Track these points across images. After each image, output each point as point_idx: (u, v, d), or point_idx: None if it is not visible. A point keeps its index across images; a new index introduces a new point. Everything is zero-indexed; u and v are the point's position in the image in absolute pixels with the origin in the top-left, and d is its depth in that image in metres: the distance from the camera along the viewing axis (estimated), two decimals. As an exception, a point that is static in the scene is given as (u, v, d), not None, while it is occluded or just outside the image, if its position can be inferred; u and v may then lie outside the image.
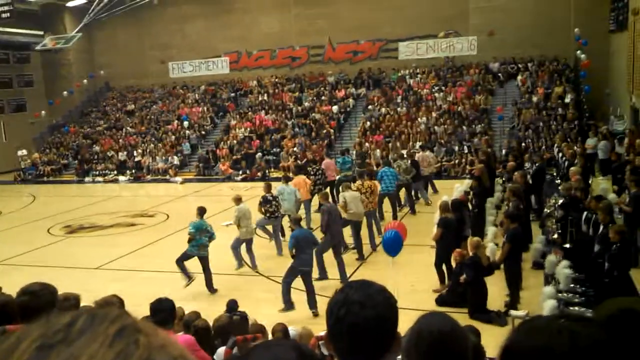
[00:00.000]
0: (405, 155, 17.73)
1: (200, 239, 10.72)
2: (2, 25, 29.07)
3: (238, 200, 12.05)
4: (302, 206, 14.51)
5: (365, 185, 13.09)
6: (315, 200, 14.94)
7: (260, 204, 12.64)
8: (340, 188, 12.77)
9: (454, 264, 9.85)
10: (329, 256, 10.88)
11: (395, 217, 14.68)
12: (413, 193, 16.61)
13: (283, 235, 13.28)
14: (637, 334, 1.44)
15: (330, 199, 11.80)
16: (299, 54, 31.99)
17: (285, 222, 13.32)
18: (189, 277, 10.81)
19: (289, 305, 9.41)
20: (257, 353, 1.17)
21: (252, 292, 10.62)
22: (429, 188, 17.80)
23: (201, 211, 11.10)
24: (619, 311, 1.51)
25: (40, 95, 34.20)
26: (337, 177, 16.79)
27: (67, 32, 33.20)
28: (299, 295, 9.84)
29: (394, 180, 14.70)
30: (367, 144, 24.43)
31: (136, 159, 28.25)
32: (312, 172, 15.93)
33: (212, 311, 7.62)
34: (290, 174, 18.12)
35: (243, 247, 12.03)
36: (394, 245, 9.40)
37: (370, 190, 13.07)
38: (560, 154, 17.25)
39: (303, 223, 11.72)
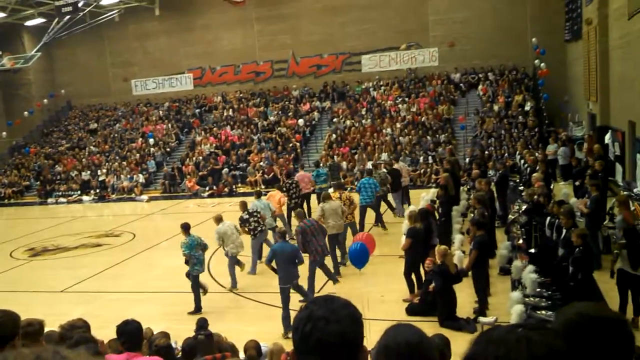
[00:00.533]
0: (382, 165, 17.63)
1: (198, 255, 10.46)
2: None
3: (218, 220, 11.71)
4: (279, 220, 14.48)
5: (343, 196, 13.14)
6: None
7: (240, 226, 12.16)
8: (321, 199, 12.52)
9: (424, 273, 9.94)
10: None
11: (382, 225, 14.83)
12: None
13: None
14: (593, 338, 1.48)
15: (305, 217, 11.52)
16: (263, 69, 32.04)
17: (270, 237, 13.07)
18: (198, 306, 10.57)
19: (288, 326, 9.02)
20: None
21: (228, 310, 10.51)
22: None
23: (186, 228, 10.75)
24: (577, 316, 1.55)
25: (0, 116, 33.47)
26: (313, 189, 16.61)
27: (26, 52, 32.59)
28: (273, 310, 9.80)
29: (374, 190, 14.68)
30: (335, 157, 24.54)
31: (100, 178, 27.80)
32: (286, 188, 15.76)
33: (182, 331, 7.52)
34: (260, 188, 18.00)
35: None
36: (360, 257, 9.41)
37: (349, 201, 13.11)
38: (522, 161, 17.60)
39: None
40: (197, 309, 10.43)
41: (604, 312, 1.59)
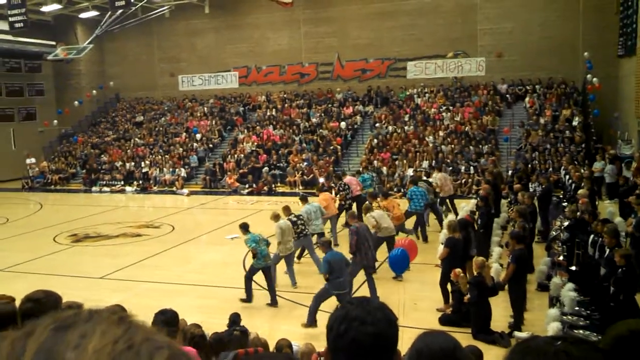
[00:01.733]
0: (423, 177, 17.57)
1: (262, 249, 10.62)
2: (16, 35, 29.43)
3: (276, 217, 11.74)
4: (329, 222, 14.57)
5: (382, 205, 13.18)
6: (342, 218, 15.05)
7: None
8: (364, 210, 12.56)
9: (450, 284, 9.86)
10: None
11: (425, 236, 14.74)
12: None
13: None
14: None
15: (357, 218, 11.54)
16: (308, 71, 32.19)
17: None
18: (250, 298, 10.70)
19: (312, 322, 9.13)
20: None
21: (261, 307, 10.60)
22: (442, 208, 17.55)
23: (245, 227, 10.87)
24: (628, 332, 1.52)
25: (51, 105, 34.49)
26: (361, 194, 16.65)
27: (78, 43, 33.52)
28: (306, 311, 9.83)
29: (423, 199, 14.68)
30: (375, 162, 24.52)
31: (143, 170, 28.37)
32: (339, 188, 15.98)
33: (214, 324, 7.61)
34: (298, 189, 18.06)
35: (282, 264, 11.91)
36: (400, 263, 9.35)
37: (386, 209, 13.11)
38: (567, 177, 17.24)
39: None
40: (248, 298, 10.65)
41: None
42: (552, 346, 1.16)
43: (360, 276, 10.81)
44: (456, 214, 16.16)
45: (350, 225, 10.95)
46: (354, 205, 15.82)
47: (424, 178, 16.69)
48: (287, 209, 12.59)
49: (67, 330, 0.57)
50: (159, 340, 0.60)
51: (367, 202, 13.36)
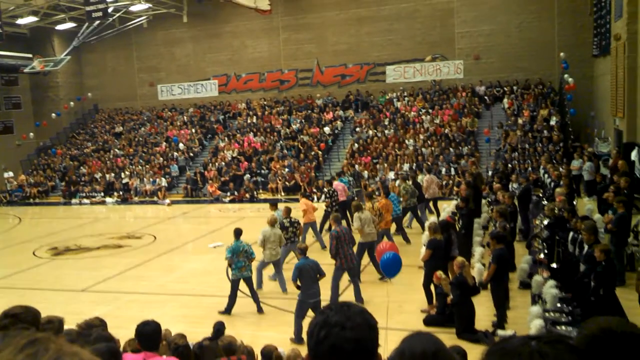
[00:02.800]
0: (408, 177, 17.66)
1: (238, 261, 10.49)
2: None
3: (273, 223, 11.66)
4: (310, 230, 14.59)
5: (375, 206, 13.17)
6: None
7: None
8: (354, 209, 12.54)
9: (434, 286, 9.92)
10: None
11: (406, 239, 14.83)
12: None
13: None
14: (616, 354, 1.46)
15: (341, 223, 11.53)
16: (288, 77, 32.22)
17: None
18: (229, 310, 10.57)
19: (299, 339, 9.03)
20: None
21: (245, 315, 10.55)
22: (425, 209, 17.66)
23: (238, 233, 10.76)
24: (599, 331, 1.52)
25: (28, 117, 34.08)
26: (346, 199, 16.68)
27: (55, 55, 33.22)
28: (291, 317, 9.80)
29: (397, 204, 14.80)
30: (357, 166, 24.60)
31: (124, 181, 28.14)
32: (328, 194, 16.06)
33: (199, 334, 7.56)
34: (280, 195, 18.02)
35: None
36: (392, 267, 9.35)
37: (379, 213, 13.11)
38: (546, 175, 17.42)
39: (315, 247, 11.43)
40: (227, 310, 10.52)
41: (627, 327, 1.55)
42: (527, 347, 1.16)
43: (344, 280, 10.85)
44: (438, 215, 16.29)
45: (332, 229, 10.97)
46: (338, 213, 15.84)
47: (409, 181, 16.75)
48: (288, 211, 12.59)
49: None
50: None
51: (356, 201, 13.38)
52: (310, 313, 9.15)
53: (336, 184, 17.01)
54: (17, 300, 4.05)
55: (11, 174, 29.88)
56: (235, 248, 10.53)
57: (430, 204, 17.41)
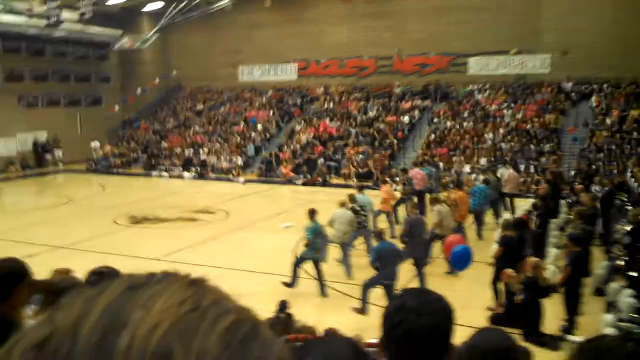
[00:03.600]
0: (486, 171, 17.30)
1: (317, 242, 10.66)
2: (85, 25, 30.61)
3: (343, 204, 11.90)
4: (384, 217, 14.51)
5: (452, 197, 13.01)
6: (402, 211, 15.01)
7: None
8: (432, 202, 12.45)
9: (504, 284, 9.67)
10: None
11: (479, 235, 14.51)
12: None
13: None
14: None
15: (417, 210, 11.49)
16: (367, 64, 32.05)
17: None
18: (294, 283, 10.74)
19: (365, 306, 9.21)
20: (314, 346, 1.20)
21: (310, 297, 10.67)
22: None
23: (313, 213, 10.88)
24: None
25: (116, 92, 35.71)
26: (423, 189, 16.56)
27: (144, 34, 34.55)
28: (355, 302, 9.85)
29: (485, 199, 14.51)
30: (433, 158, 24.26)
31: (202, 157, 28.98)
32: (404, 182, 16.05)
33: (264, 311, 7.70)
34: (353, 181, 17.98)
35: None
36: (463, 260, 9.22)
37: (456, 203, 12.94)
38: (633, 179, 16.57)
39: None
40: (292, 283, 10.70)
41: None
42: (624, 348, 1.12)
43: (411, 270, 10.76)
44: (514, 213, 15.84)
45: (408, 215, 10.94)
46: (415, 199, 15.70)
47: (492, 175, 16.40)
48: (352, 198, 12.65)
49: (137, 290, 0.58)
50: (228, 305, 0.59)
51: (434, 195, 13.22)
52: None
53: (415, 171, 16.84)
54: (96, 262, 4.27)
55: (98, 144, 31.40)
56: (315, 229, 10.65)
57: (507, 200, 16.92)
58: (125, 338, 0.52)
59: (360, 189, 14.04)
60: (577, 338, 8.29)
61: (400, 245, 10.50)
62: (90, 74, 34.66)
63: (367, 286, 9.40)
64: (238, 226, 16.72)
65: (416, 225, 10.62)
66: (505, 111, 26.35)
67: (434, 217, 11.91)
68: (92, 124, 32.95)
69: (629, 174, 18.15)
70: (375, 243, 10.13)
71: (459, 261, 9.25)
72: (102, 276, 3.40)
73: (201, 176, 27.69)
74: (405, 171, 17.39)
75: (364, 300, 9.33)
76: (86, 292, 0.59)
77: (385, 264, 9.28)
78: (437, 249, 12.07)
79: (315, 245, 10.64)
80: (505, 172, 17.22)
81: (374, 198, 14.21)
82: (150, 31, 34.20)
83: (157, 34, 33.23)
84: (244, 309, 0.61)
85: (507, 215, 13.42)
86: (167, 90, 37.29)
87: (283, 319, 6.73)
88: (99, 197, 22.82)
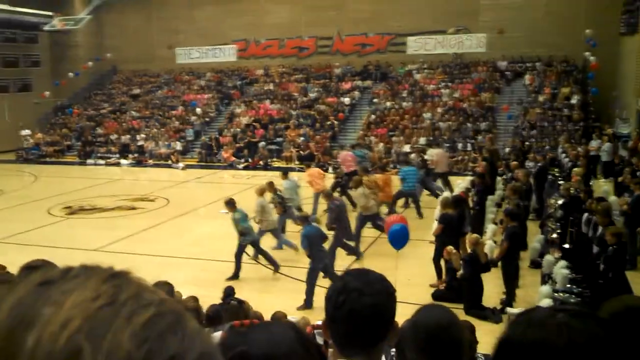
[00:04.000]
0: (424, 151, 17.56)
1: (247, 226, 10.73)
2: (12, 5, 29.12)
3: (262, 191, 11.89)
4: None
5: (371, 179, 13.14)
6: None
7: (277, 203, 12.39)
8: (352, 184, 12.65)
9: (444, 261, 9.92)
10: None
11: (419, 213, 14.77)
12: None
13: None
14: None
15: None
16: (307, 45, 31.89)
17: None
18: (237, 275, 10.73)
19: (309, 304, 9.25)
20: (256, 331, 1.18)
21: (253, 281, 10.63)
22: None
23: (232, 203, 10.90)
24: (625, 308, 1.49)
25: (46, 76, 34.18)
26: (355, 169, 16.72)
27: (76, 14, 33.17)
28: (299, 285, 9.85)
29: (416, 179, 14.76)
30: (372, 138, 24.45)
31: (139, 143, 28.26)
32: (334, 166, 16.22)
33: (209, 297, 7.62)
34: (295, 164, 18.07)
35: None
36: (400, 239, 9.35)
37: (377, 185, 13.08)
38: (564, 155, 17.22)
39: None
40: (235, 275, 10.65)
41: None
42: (554, 319, 1.13)
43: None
44: (451, 191, 16.19)
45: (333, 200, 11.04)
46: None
47: (418, 155, 16.68)
48: (271, 185, 12.68)
49: (51, 285, 0.55)
50: (149, 298, 0.56)
51: (357, 176, 13.33)
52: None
53: (345, 154, 17.01)
54: (33, 255, 4.07)
55: (28, 131, 30.10)
56: (243, 215, 10.69)
57: (441, 179, 17.27)
58: (32, 336, 0.50)
59: (285, 173, 14.12)
60: (516, 310, 8.58)
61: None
62: (19, 57, 33.03)
63: (311, 280, 9.37)
64: (179, 213, 16.44)
65: (342, 209, 10.77)
66: (442, 90, 26.82)
67: (360, 201, 12.03)
68: (21, 111, 31.49)
69: (560, 150, 18.86)
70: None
71: (396, 239, 9.39)
72: (36, 270, 3.21)
73: (139, 163, 27.04)
74: (331, 155, 17.55)
75: (309, 295, 9.30)
76: None
77: (315, 248, 9.35)
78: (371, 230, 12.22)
79: (249, 230, 10.66)
80: (434, 152, 17.44)
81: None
82: (82, 11, 32.88)
83: (90, 14, 31.98)
84: (167, 300, 0.58)
85: (445, 193, 13.69)
86: (100, 73, 36.02)
87: (233, 306, 6.67)
88: (31, 188, 21.95)
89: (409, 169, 14.95)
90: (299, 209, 13.07)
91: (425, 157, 16.95)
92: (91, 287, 0.55)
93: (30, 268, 3.34)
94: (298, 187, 13.97)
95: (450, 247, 9.53)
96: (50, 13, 32.29)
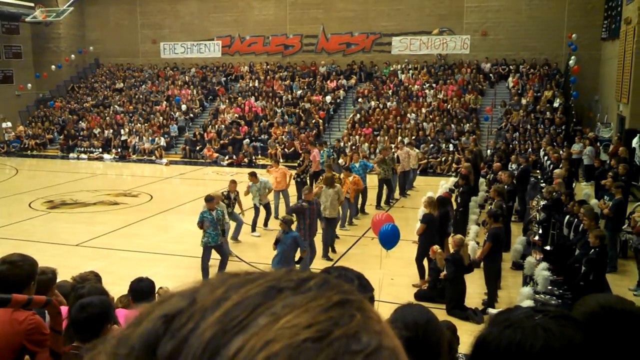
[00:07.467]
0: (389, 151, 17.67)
1: (210, 232, 10.54)
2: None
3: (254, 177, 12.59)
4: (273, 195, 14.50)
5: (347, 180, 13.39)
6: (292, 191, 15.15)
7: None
8: (323, 181, 12.74)
9: (428, 261, 9.98)
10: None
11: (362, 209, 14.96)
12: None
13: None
14: (615, 331, 1.44)
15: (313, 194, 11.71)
16: (292, 42, 31.83)
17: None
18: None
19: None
20: None
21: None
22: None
23: (210, 200, 10.70)
24: (599, 307, 1.51)
25: (28, 68, 33.69)
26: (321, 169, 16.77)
27: (58, 6, 32.73)
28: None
29: (363, 173, 14.86)
30: (357, 137, 24.51)
31: (122, 138, 28.01)
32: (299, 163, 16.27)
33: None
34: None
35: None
36: (390, 239, 9.37)
37: (341, 184, 13.21)
38: (546, 157, 17.40)
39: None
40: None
41: (626, 305, 1.53)
42: (531, 320, 1.15)
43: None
44: (410, 188, 17.17)
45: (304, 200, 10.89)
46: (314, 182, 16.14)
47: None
48: (253, 175, 13.32)
49: (280, 293, 0.53)
50: (363, 342, 0.50)
51: (329, 174, 13.30)
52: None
53: (316, 151, 17.21)
54: (13, 250, 4.03)
55: (9, 124, 29.69)
56: (206, 213, 10.49)
57: (407, 178, 17.51)
58: (236, 343, 0.49)
59: (253, 175, 13.81)
60: (497, 310, 8.67)
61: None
62: (-1, 48, 32.58)
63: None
64: (161, 209, 16.34)
65: (312, 211, 10.81)
66: (427, 91, 26.95)
67: (321, 200, 12.01)
68: (2, 103, 31.02)
69: (542, 152, 19.05)
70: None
71: (387, 240, 9.42)
72: (14, 265, 3.18)
73: (122, 158, 26.82)
74: (308, 152, 17.47)
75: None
76: (231, 279, 0.55)
77: (283, 253, 9.54)
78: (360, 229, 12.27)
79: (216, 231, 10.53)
80: (401, 152, 17.46)
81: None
82: (65, 2, 32.44)
83: (73, 6, 31.57)
84: (387, 349, 0.51)
85: (429, 194, 13.77)
86: (83, 66, 35.60)
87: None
88: (12, 181, 21.64)
89: (360, 164, 15.14)
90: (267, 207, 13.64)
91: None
92: (311, 311, 0.51)
93: (7, 262, 3.27)
94: (268, 185, 13.81)
95: (436, 247, 9.59)
96: (31, 4, 31.78)
